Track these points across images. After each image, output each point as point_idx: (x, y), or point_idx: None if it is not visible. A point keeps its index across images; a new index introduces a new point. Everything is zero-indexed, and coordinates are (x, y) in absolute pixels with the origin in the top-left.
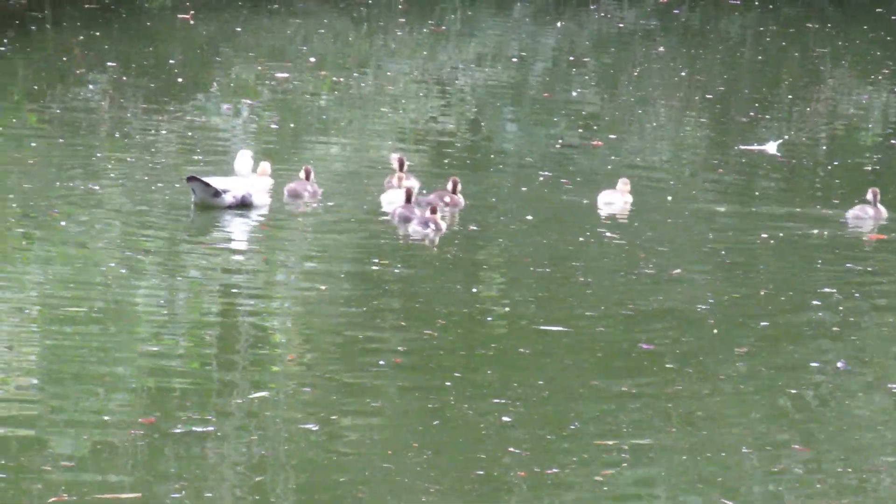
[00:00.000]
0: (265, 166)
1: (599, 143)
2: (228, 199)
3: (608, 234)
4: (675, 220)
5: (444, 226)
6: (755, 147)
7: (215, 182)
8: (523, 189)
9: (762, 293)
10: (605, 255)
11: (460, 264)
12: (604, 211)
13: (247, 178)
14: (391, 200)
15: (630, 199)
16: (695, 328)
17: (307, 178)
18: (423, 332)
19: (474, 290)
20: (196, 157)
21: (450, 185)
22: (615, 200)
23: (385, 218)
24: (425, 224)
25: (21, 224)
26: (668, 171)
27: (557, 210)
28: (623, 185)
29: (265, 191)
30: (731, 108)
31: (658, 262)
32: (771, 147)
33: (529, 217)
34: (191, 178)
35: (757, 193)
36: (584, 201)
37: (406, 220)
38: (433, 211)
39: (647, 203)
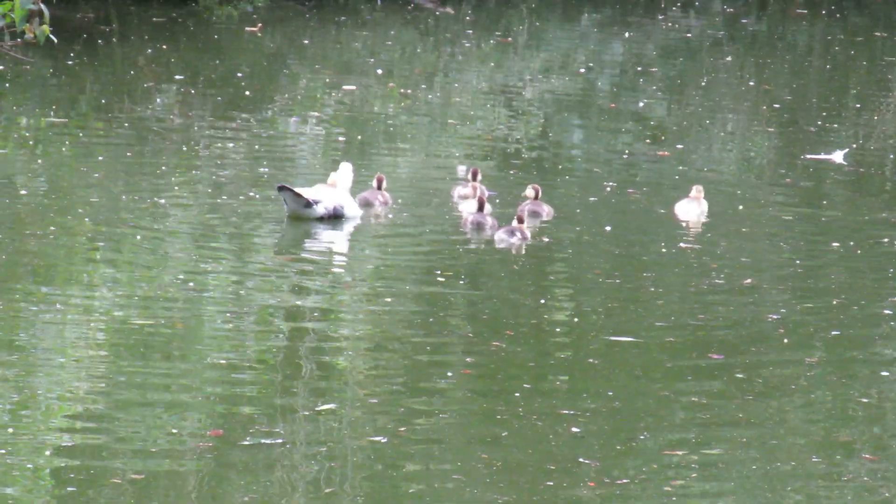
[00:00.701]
0: (335, 176)
1: (665, 153)
2: (320, 210)
3: (681, 244)
4: (746, 229)
5: (529, 235)
6: (822, 156)
7: (306, 192)
8: (591, 199)
9: (834, 303)
10: (676, 265)
11: (528, 275)
12: (679, 220)
13: (345, 190)
14: (470, 210)
15: (706, 205)
16: (765, 338)
17: (379, 186)
18: (491, 343)
19: (542, 301)
20: (263, 170)
21: (531, 192)
22: (692, 209)
23: (456, 228)
24: (511, 233)
25: (90, 238)
26: (735, 180)
27: (629, 220)
28: (697, 191)
29: (355, 203)
30: (798, 117)
31: (730, 272)
32: (838, 156)
33: (608, 228)
34: (282, 188)
35: (825, 202)
36: (661, 210)
37: (480, 227)
38: (520, 220)
39: (717, 213)
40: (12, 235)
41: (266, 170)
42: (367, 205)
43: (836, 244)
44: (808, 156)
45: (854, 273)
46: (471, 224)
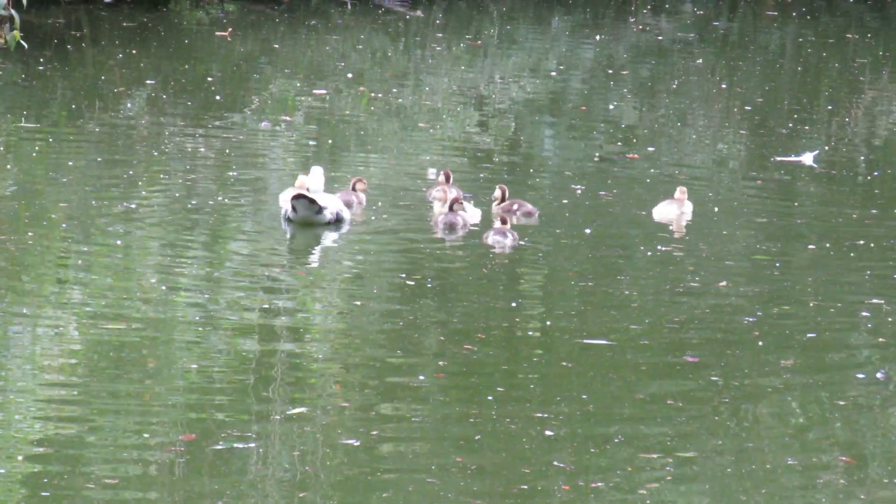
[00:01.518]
0: (303, 179)
1: (635, 155)
2: (328, 215)
3: (659, 246)
4: (721, 231)
5: (517, 235)
6: (792, 158)
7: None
8: (564, 201)
9: (811, 305)
10: (651, 267)
11: (499, 278)
12: (657, 222)
13: (319, 193)
14: (442, 212)
15: (690, 207)
16: (740, 341)
17: (353, 188)
18: (463, 346)
19: (514, 304)
20: (234, 174)
21: (497, 193)
22: (671, 211)
23: (430, 230)
24: (504, 234)
25: (61, 243)
26: (708, 182)
27: (606, 222)
28: (681, 193)
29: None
30: (770, 119)
31: (704, 274)
32: (807, 158)
33: (587, 230)
34: (299, 197)
35: (797, 204)
36: (637, 212)
37: (452, 227)
38: (504, 221)
39: (692, 215)
40: None
41: (236, 173)
42: (346, 206)
43: (812, 246)
44: (778, 158)
45: (830, 275)
46: (442, 224)
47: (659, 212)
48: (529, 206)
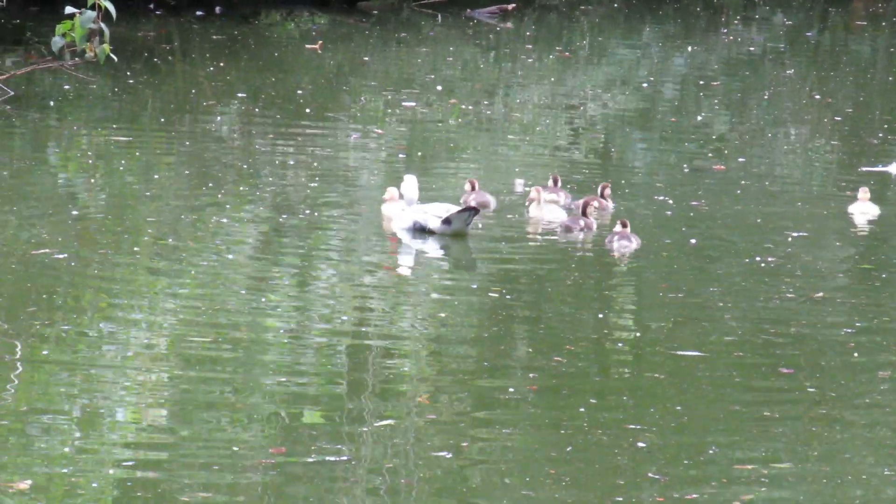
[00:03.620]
0: (393, 191)
1: (722, 166)
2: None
3: (756, 257)
4: (815, 242)
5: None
6: (879, 168)
7: (437, 210)
8: (653, 212)
9: None
10: (744, 278)
11: (589, 289)
12: (854, 221)
13: (414, 203)
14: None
15: (874, 209)
16: (836, 352)
17: (472, 189)
18: (552, 358)
19: (600, 315)
20: (323, 187)
21: (599, 190)
22: (867, 210)
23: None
24: (628, 238)
25: (151, 255)
26: (798, 194)
27: (702, 233)
28: (863, 193)
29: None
30: (861, 129)
31: (800, 285)
32: (894, 168)
33: (692, 241)
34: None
35: (888, 215)
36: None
37: (569, 230)
38: (624, 224)
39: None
40: (75, 253)
41: (326, 186)
42: (484, 208)
43: None
44: (865, 168)
45: None
46: (562, 227)
47: (857, 209)
48: (487, 196)
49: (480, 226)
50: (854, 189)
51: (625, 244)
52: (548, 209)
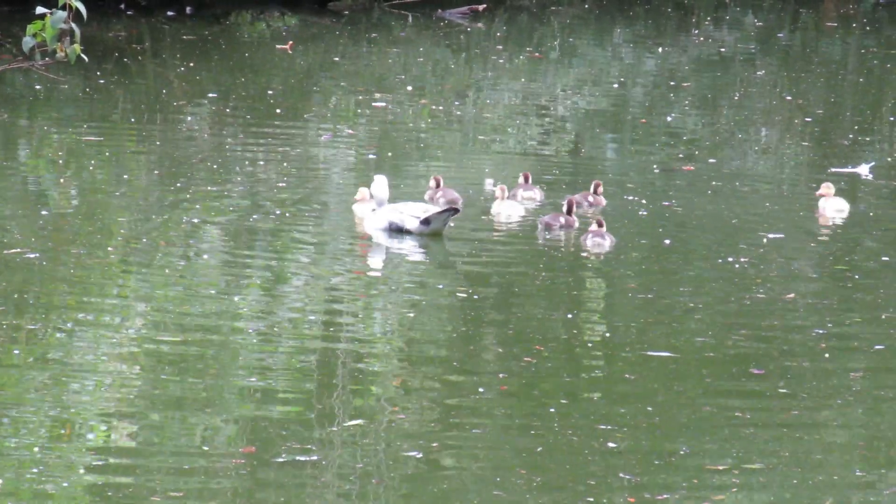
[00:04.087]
0: (364, 192)
1: (691, 167)
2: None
3: (729, 258)
4: (790, 242)
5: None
6: (848, 169)
7: (415, 209)
8: (625, 212)
9: (883, 317)
10: (714, 279)
11: (560, 289)
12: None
13: (384, 202)
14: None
15: (844, 205)
16: (807, 352)
17: (438, 186)
18: (522, 359)
19: (569, 315)
20: (293, 187)
21: (592, 187)
22: (838, 206)
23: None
24: (602, 236)
25: (122, 255)
26: (768, 195)
27: (666, 234)
28: (826, 188)
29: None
30: (832, 130)
31: (771, 286)
32: (863, 169)
33: (667, 241)
34: (456, 211)
35: (859, 216)
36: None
37: (549, 228)
38: (600, 223)
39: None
40: (45, 253)
41: (297, 186)
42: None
43: (886, 258)
44: (834, 169)
45: None
46: (542, 225)
47: (824, 206)
48: (454, 193)
49: (452, 224)
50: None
51: (598, 242)
52: (507, 206)
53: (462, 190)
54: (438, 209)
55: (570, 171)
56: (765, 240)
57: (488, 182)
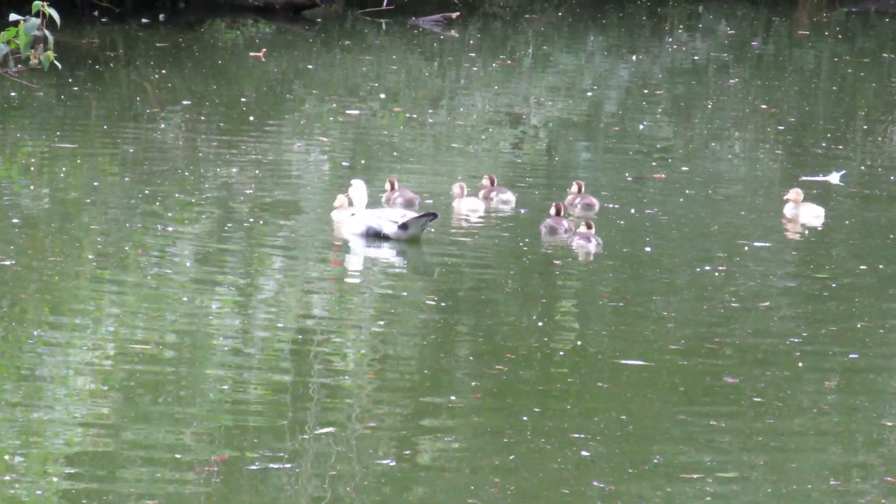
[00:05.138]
0: (342, 198)
1: (662, 175)
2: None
3: (707, 266)
4: (763, 251)
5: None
6: (819, 177)
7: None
8: (599, 220)
9: (858, 326)
10: (689, 287)
11: (531, 296)
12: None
13: (363, 207)
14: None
15: (820, 210)
16: (782, 362)
17: (392, 189)
18: (494, 366)
19: (540, 323)
20: (267, 195)
21: (576, 187)
22: (810, 211)
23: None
24: (587, 239)
25: (95, 264)
26: (741, 203)
27: (639, 241)
28: (796, 194)
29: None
30: (805, 138)
31: (745, 293)
32: (834, 177)
33: (648, 249)
34: (435, 215)
35: (834, 224)
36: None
37: (554, 231)
38: (589, 226)
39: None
40: (17, 261)
41: (270, 194)
42: (410, 206)
43: (863, 266)
44: (805, 177)
45: (880, 296)
46: (546, 228)
47: (790, 211)
48: (410, 193)
49: (432, 229)
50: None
51: (581, 244)
52: (466, 203)
53: (436, 198)
54: (416, 214)
55: (543, 177)
56: (735, 247)
57: (455, 188)
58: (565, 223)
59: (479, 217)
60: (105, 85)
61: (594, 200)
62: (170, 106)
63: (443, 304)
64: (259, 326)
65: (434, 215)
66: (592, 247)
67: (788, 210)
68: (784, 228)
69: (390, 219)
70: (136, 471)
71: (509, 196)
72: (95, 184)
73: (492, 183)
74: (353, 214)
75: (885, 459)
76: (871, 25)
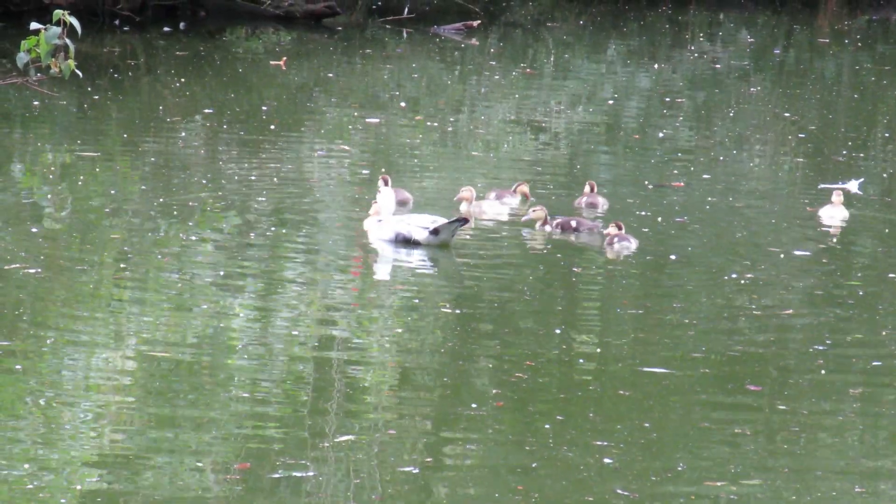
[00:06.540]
0: (376, 207)
1: (681, 183)
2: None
3: (733, 274)
4: (786, 258)
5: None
6: (838, 185)
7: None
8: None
9: (883, 333)
10: (711, 294)
11: (553, 304)
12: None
13: (391, 214)
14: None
15: (844, 213)
16: (806, 369)
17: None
18: (514, 374)
19: (558, 331)
20: (287, 202)
21: (588, 188)
22: (835, 214)
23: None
24: (627, 239)
25: (116, 273)
26: (763, 209)
27: (662, 250)
28: (837, 197)
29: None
30: (825, 146)
31: (769, 301)
32: (853, 185)
33: (672, 256)
34: (465, 221)
35: (859, 231)
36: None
37: (565, 228)
38: (619, 227)
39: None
40: (38, 269)
41: (291, 201)
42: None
43: (892, 275)
44: (824, 185)
45: None
46: (560, 226)
47: (826, 214)
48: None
49: (467, 235)
50: (816, 206)
51: (626, 245)
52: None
53: (456, 205)
54: (447, 220)
55: (563, 186)
56: (758, 254)
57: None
58: (573, 223)
59: (502, 222)
60: (126, 93)
61: (599, 200)
62: (191, 114)
63: (463, 310)
64: (280, 335)
65: (465, 221)
66: (634, 246)
67: (826, 212)
68: (807, 236)
69: (420, 225)
70: (159, 479)
71: (601, 201)
72: (114, 192)
73: (591, 189)
74: (379, 221)
75: None
76: (891, 33)
